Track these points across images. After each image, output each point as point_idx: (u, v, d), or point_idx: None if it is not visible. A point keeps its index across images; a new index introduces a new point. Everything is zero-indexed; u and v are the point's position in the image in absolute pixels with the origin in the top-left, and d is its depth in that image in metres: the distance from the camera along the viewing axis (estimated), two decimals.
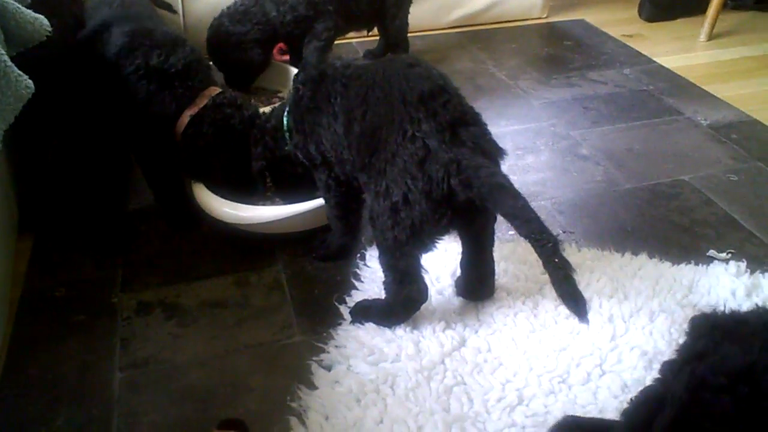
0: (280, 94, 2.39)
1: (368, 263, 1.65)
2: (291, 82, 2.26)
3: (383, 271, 1.40)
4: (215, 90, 1.74)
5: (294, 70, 2.32)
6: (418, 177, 1.24)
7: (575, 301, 1.15)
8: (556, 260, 1.14)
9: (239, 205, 1.68)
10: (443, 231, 1.33)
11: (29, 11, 1.43)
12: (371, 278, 1.60)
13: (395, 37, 2.51)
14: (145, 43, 1.69)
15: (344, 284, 1.61)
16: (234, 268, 1.68)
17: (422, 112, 1.26)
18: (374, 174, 1.32)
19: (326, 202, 1.59)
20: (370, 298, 1.51)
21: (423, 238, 1.31)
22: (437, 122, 1.26)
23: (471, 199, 1.23)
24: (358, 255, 1.69)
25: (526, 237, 1.17)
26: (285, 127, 1.59)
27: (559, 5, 3.34)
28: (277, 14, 2.18)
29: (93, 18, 1.84)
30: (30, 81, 1.43)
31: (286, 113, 1.59)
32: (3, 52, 1.37)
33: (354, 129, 1.37)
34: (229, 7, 2.21)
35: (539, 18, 3.27)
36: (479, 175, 1.22)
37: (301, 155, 1.57)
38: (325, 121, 1.45)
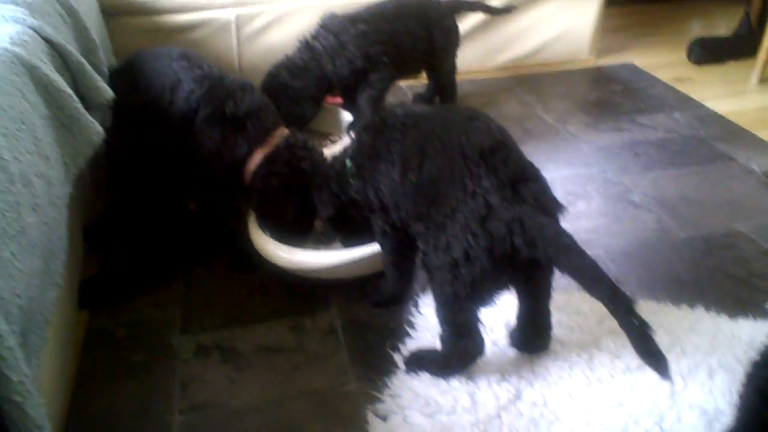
0: (331, 137, 2.44)
1: (421, 310, 1.66)
2: (342, 126, 2.37)
3: (440, 323, 1.41)
4: (285, 131, 1.79)
5: (345, 114, 2.38)
6: (480, 234, 1.25)
7: (657, 359, 1.13)
8: (635, 321, 1.13)
9: (297, 250, 1.72)
10: (503, 287, 1.33)
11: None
12: (425, 326, 1.61)
13: (444, 82, 2.56)
14: (217, 90, 1.75)
15: (398, 331, 1.62)
16: (289, 312, 1.71)
17: (483, 167, 1.28)
18: (432, 227, 1.34)
19: (382, 247, 1.61)
20: (424, 348, 1.52)
21: (483, 294, 1.33)
22: (498, 179, 1.27)
23: (534, 257, 1.24)
24: (411, 302, 1.70)
25: (598, 298, 1.17)
26: (349, 172, 1.62)
27: (606, 48, 3.34)
28: (333, 68, 2.23)
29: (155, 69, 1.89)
30: (100, 127, 1.49)
31: (349, 159, 1.62)
32: (76, 98, 1.44)
33: (410, 178, 1.40)
34: (287, 58, 2.27)
35: (586, 61, 3.28)
36: (544, 234, 1.22)
37: (361, 200, 1.59)
38: (384, 168, 1.47)
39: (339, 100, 2.54)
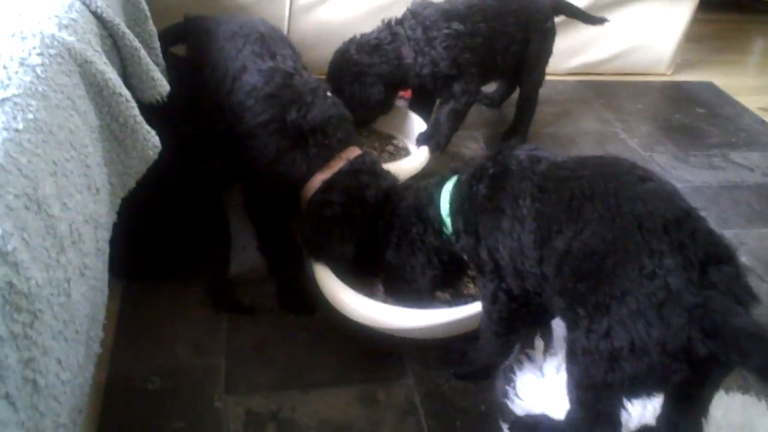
0: (394, 141, 2.12)
1: (520, 393, 1.37)
2: (409, 130, 2.04)
3: (572, 402, 1.16)
4: (354, 152, 1.48)
5: (414, 117, 2.06)
6: (655, 324, 0.99)
7: None
8: None
9: (372, 302, 1.41)
10: (668, 385, 1.07)
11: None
12: (524, 412, 1.32)
13: (528, 93, 2.22)
14: (284, 91, 1.43)
15: (490, 419, 1.34)
16: (357, 375, 1.41)
17: (666, 243, 1.01)
18: (590, 307, 1.07)
19: (487, 314, 1.32)
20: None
21: (641, 390, 1.08)
22: (684, 258, 1.00)
23: (712, 354, 0.97)
24: (505, 380, 1.41)
25: None
26: (446, 225, 1.32)
27: (684, 62, 3.03)
28: (413, 62, 1.88)
29: (225, 49, 1.55)
30: (157, 138, 1.16)
31: (446, 212, 1.32)
32: (134, 103, 1.11)
33: (556, 245, 1.12)
34: (361, 36, 1.93)
35: (663, 75, 2.97)
36: (729, 322, 0.95)
37: (467, 258, 1.33)
38: (507, 226, 1.20)
39: (406, 94, 2.21)
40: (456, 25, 1.86)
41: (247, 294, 1.57)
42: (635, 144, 2.41)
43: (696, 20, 2.87)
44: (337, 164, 1.46)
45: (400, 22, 1.91)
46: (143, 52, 1.24)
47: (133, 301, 1.52)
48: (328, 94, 1.53)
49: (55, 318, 0.72)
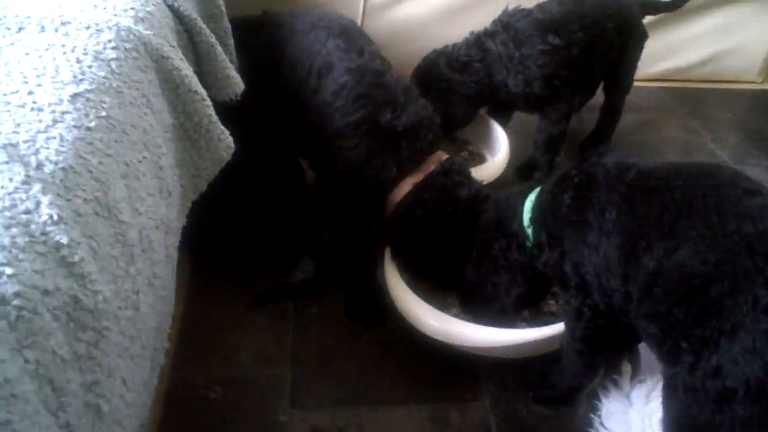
0: (469, 147, 2.03)
1: (605, 423, 1.26)
2: (489, 137, 1.95)
3: None
4: (443, 156, 1.41)
5: (491, 123, 1.97)
6: None
7: None
8: None
9: (448, 317, 1.33)
10: None
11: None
12: None
13: (615, 101, 2.07)
14: (375, 91, 1.36)
15: None
16: (429, 394, 1.33)
17: None
18: (694, 341, 0.95)
19: (570, 332, 1.22)
20: None
21: None
22: None
23: None
24: (589, 406, 1.30)
25: None
26: (528, 238, 1.23)
27: None
28: (502, 79, 1.76)
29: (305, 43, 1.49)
30: (231, 140, 1.11)
31: (527, 223, 1.23)
32: (209, 102, 1.05)
33: (644, 263, 1.01)
34: (451, 47, 1.82)
35: (753, 83, 2.79)
36: None
37: (549, 272, 1.23)
38: (592, 240, 1.10)
39: None
40: (552, 39, 1.71)
41: (314, 302, 1.51)
42: (725, 155, 2.25)
43: None
44: (429, 167, 1.40)
45: (491, 35, 1.78)
46: (219, 49, 1.19)
47: (196, 306, 1.47)
48: (419, 96, 1.45)
49: (122, 334, 0.66)
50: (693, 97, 2.63)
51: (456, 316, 1.37)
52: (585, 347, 1.22)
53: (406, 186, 1.38)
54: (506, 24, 1.76)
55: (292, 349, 1.40)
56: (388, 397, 1.32)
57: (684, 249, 0.97)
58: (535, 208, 1.23)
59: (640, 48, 1.96)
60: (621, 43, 1.84)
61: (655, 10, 2.08)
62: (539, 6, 1.79)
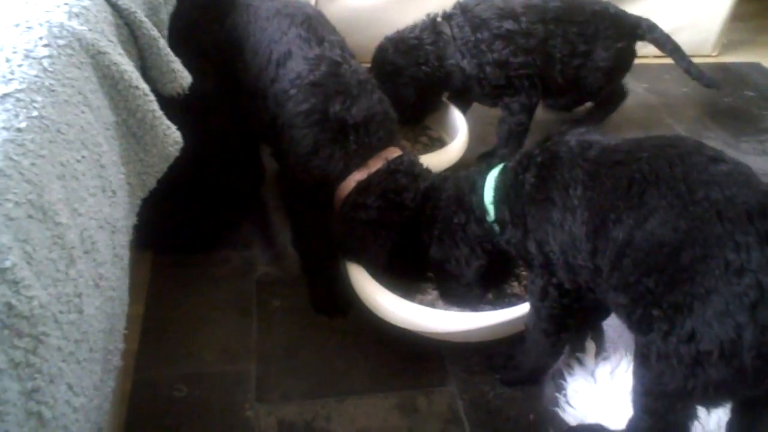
0: (429, 131, 2.03)
1: (571, 401, 1.27)
2: (449, 122, 1.94)
3: (638, 411, 1.07)
4: (394, 152, 1.38)
5: (451, 107, 1.96)
6: (747, 326, 0.89)
7: None
8: None
9: (410, 304, 1.32)
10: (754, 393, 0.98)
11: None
12: (577, 421, 1.23)
13: (598, 108, 2.06)
14: (329, 80, 1.34)
15: (540, 429, 1.24)
16: (395, 382, 1.33)
17: (752, 235, 0.91)
18: (666, 307, 0.97)
19: (536, 312, 1.23)
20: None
21: (724, 398, 1.00)
22: None
23: None
24: (555, 385, 1.31)
25: None
26: (488, 213, 1.23)
27: (731, 42, 2.88)
28: (456, 63, 1.75)
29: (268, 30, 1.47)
30: (179, 134, 1.09)
31: (490, 199, 1.23)
32: (152, 96, 1.02)
33: (614, 235, 1.02)
34: (402, 31, 1.81)
35: (709, 56, 2.82)
36: None
37: (514, 251, 1.23)
38: (557, 217, 1.11)
39: None
40: (508, 24, 1.70)
41: (277, 294, 1.50)
42: (682, 130, 2.28)
43: None
44: (375, 164, 1.37)
45: (448, 17, 1.77)
46: (162, 42, 1.16)
47: (157, 304, 1.45)
48: (375, 90, 1.43)
49: (65, 338, 0.64)
50: (651, 73, 2.65)
51: (432, 302, 1.38)
52: (550, 326, 1.23)
53: (351, 182, 1.36)
54: (464, 7, 1.76)
55: (256, 344, 1.39)
56: (355, 387, 1.31)
57: (654, 218, 0.98)
58: (498, 186, 1.23)
59: (619, 64, 1.92)
60: (587, 52, 1.81)
61: (659, 43, 2.03)
62: None
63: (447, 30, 1.74)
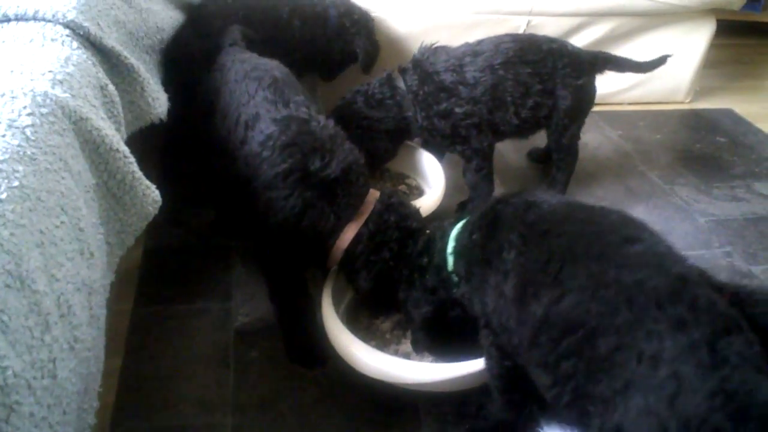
0: (407, 180, 2.07)
1: None
2: (420, 166, 1.99)
3: None
4: (375, 194, 1.44)
5: (426, 155, 2.01)
6: (670, 422, 0.87)
7: None
8: None
9: (383, 355, 1.35)
10: None
11: None
12: None
13: (560, 150, 2.03)
14: (302, 138, 1.38)
15: None
16: (369, 429, 1.34)
17: (663, 322, 0.90)
18: (598, 404, 0.94)
19: (488, 369, 1.25)
20: None
21: None
22: (688, 337, 0.89)
23: None
24: None
25: None
26: (447, 264, 1.27)
27: (703, 89, 2.96)
28: (413, 115, 1.83)
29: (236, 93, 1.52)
30: (158, 193, 1.12)
31: (450, 250, 1.26)
32: (132, 159, 1.06)
33: (533, 309, 1.03)
34: (365, 86, 1.87)
35: (682, 103, 2.90)
36: (756, 400, 0.85)
37: (468, 307, 1.26)
38: (493, 280, 1.12)
39: None
40: (451, 76, 1.76)
41: (256, 345, 1.51)
42: (655, 176, 2.33)
43: (713, 45, 2.80)
44: (368, 208, 1.41)
45: (403, 71, 1.84)
46: (145, 73, 1.20)
47: (135, 357, 1.47)
48: (345, 140, 1.47)
49: (38, 404, 0.67)
50: (625, 121, 2.72)
51: (407, 352, 1.42)
52: (500, 385, 1.24)
53: (350, 231, 1.39)
54: (416, 61, 1.83)
55: (232, 396, 1.40)
56: None
57: (568, 298, 0.98)
58: (457, 239, 1.27)
59: (581, 101, 1.92)
60: (545, 91, 1.84)
61: (614, 65, 2.02)
62: (455, 46, 1.85)
63: (401, 84, 1.81)
